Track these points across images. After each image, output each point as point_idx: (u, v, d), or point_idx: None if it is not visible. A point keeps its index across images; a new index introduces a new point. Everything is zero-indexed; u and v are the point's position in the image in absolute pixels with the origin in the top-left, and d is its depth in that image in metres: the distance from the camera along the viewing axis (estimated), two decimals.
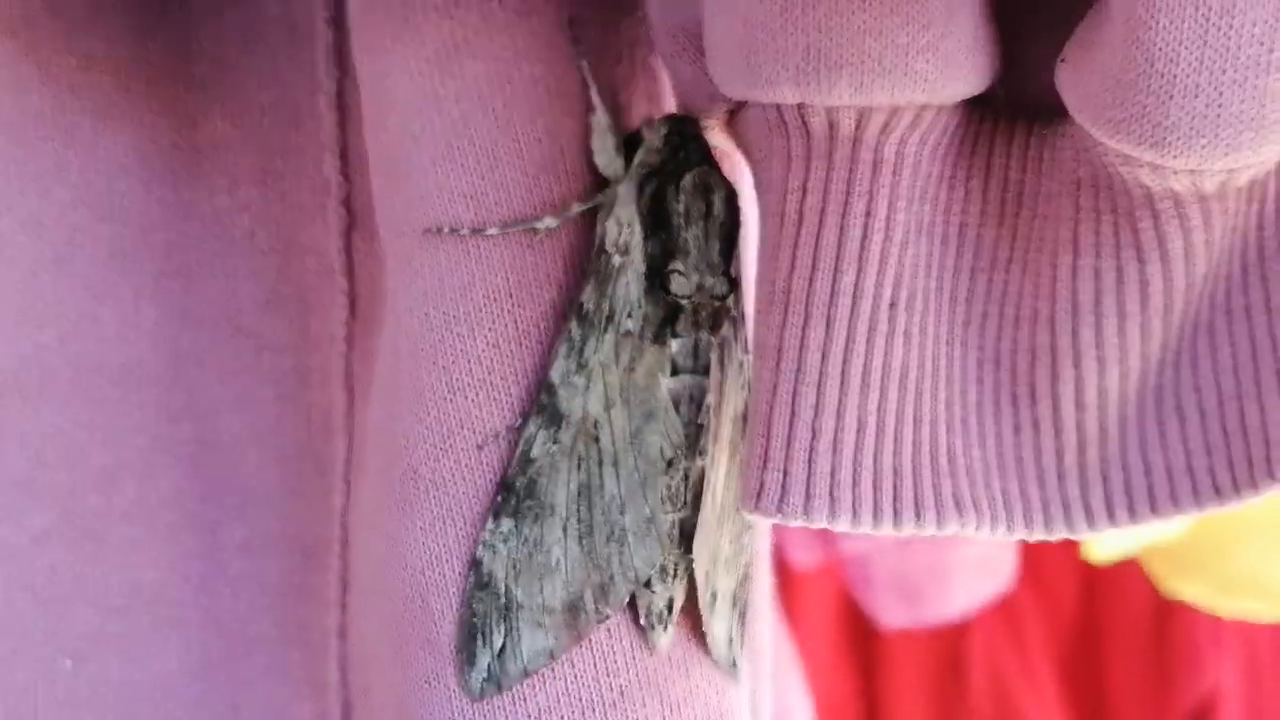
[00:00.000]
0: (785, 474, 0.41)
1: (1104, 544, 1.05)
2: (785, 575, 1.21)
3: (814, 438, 0.41)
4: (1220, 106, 0.36)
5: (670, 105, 0.47)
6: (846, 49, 0.38)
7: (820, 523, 0.41)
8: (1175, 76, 0.36)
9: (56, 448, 0.49)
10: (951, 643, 1.23)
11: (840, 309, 0.41)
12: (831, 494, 0.41)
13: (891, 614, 1.17)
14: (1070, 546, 1.20)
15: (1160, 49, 0.36)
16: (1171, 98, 0.36)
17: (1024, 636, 1.24)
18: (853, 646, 1.27)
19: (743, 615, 0.47)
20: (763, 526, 0.50)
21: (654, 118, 0.45)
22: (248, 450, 0.50)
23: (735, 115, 0.44)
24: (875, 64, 0.38)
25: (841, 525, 0.41)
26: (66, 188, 0.48)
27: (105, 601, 0.49)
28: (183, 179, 0.49)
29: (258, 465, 0.50)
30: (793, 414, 0.41)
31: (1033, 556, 1.18)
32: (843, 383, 0.41)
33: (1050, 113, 0.41)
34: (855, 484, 0.41)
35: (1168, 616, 1.22)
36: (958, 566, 1.15)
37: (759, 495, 0.41)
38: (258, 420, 0.50)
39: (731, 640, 0.46)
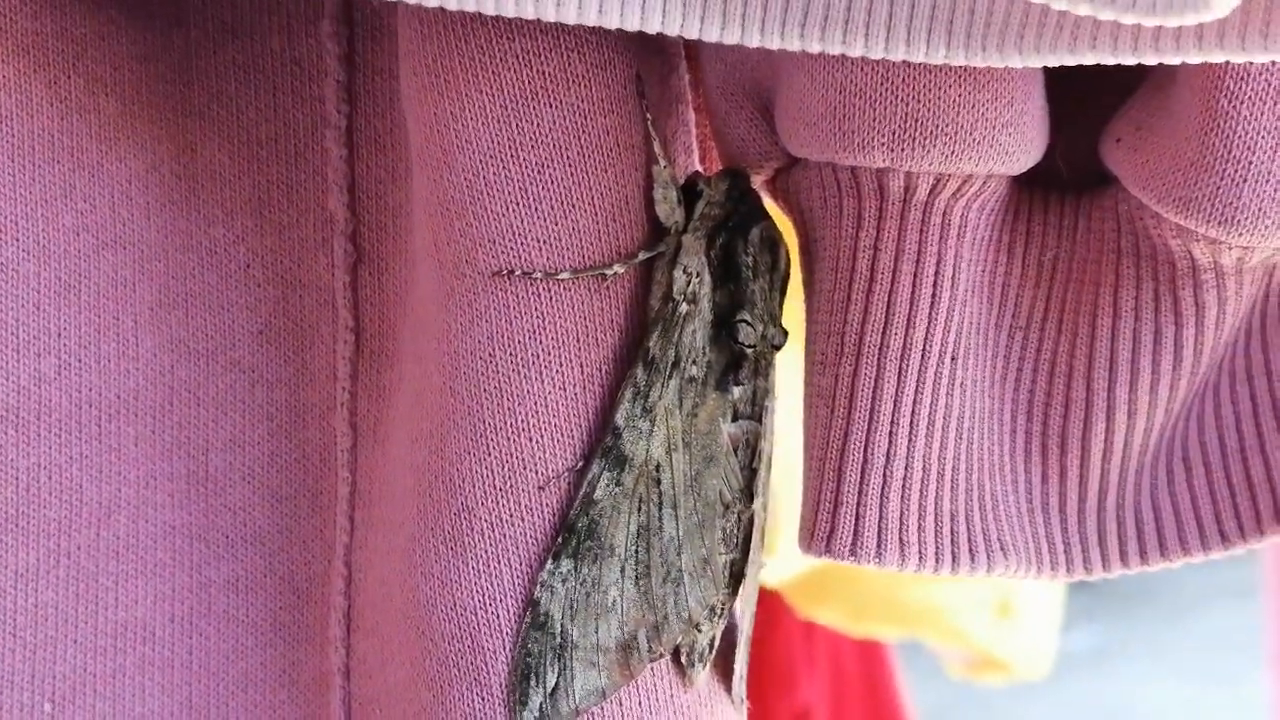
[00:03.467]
0: (858, 517, 0.43)
1: (778, 570, 1.09)
2: None
3: (885, 482, 0.43)
4: None
5: (696, 160, 0.48)
6: (941, 119, 0.41)
7: (889, 565, 0.43)
8: (1251, 163, 0.40)
9: (51, 481, 0.47)
10: None
11: (911, 360, 0.43)
12: (900, 537, 0.43)
13: None
14: None
15: (1240, 138, 0.39)
16: (1245, 181, 0.40)
17: None
18: None
19: (747, 653, 0.49)
20: None
21: (700, 171, 0.47)
22: (238, 486, 0.49)
23: (782, 173, 0.46)
24: (967, 135, 0.41)
25: (908, 568, 0.43)
26: (72, 213, 0.46)
27: (90, 641, 0.47)
28: (181, 208, 0.48)
29: (247, 502, 0.49)
30: (865, 460, 0.43)
31: None
32: (911, 430, 0.43)
33: (1088, 190, 0.45)
34: (920, 528, 0.43)
35: (764, 641, 1.27)
36: None
37: (830, 537, 0.43)
38: (249, 455, 0.49)
39: (741, 677, 0.48)
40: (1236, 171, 0.40)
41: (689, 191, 0.45)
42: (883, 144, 0.41)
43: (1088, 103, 0.45)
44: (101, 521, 0.47)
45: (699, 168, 0.48)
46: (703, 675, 0.46)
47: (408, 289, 0.48)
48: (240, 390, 0.49)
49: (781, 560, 1.05)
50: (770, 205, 0.47)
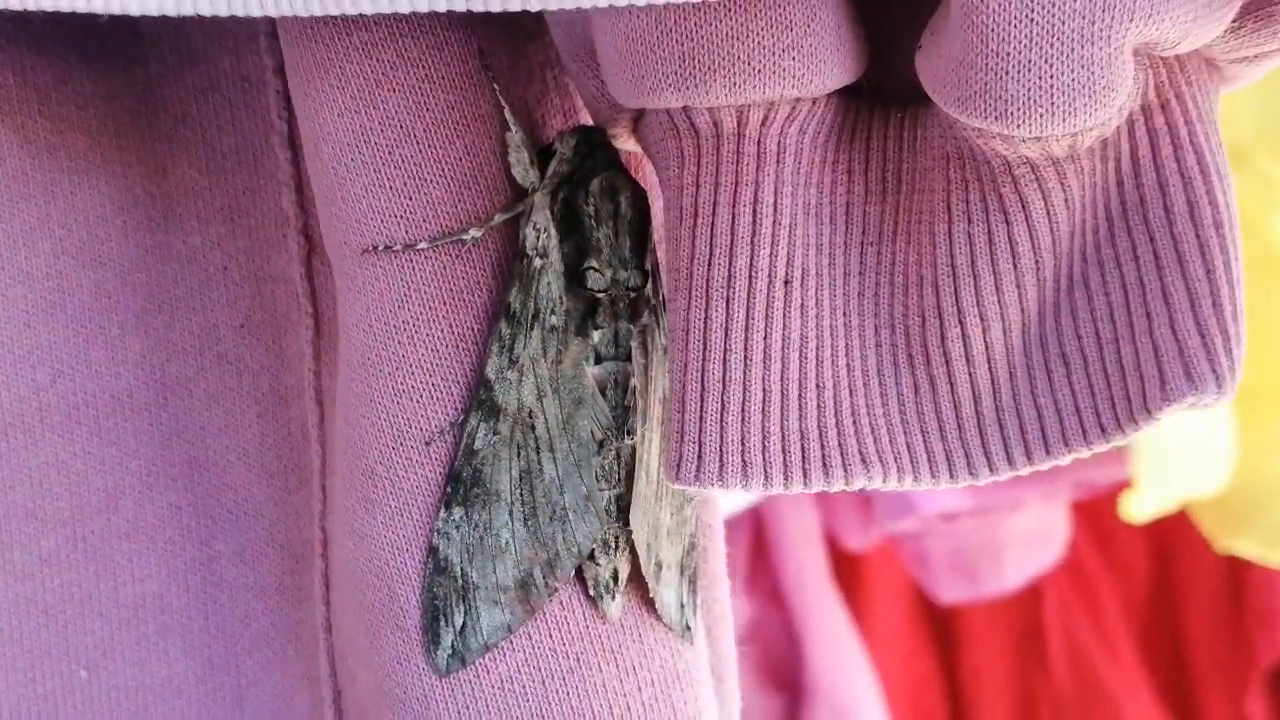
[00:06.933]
0: (699, 445, 0.45)
1: (1140, 504, 1.07)
2: (854, 559, 1.24)
3: (722, 409, 0.44)
4: (1052, 78, 0.40)
5: (586, 118, 0.51)
6: (717, 53, 0.42)
7: (735, 487, 0.44)
8: (1008, 54, 0.39)
9: (59, 476, 0.53)
10: (1026, 613, 1.26)
11: (737, 289, 0.44)
12: (743, 459, 0.44)
13: (949, 590, 1.20)
14: None
15: (993, 30, 0.39)
16: (1007, 73, 0.40)
17: (1097, 603, 1.26)
18: (929, 624, 1.30)
19: (692, 582, 0.51)
20: (711, 500, 0.54)
21: (562, 132, 0.49)
22: (235, 466, 0.54)
23: (638, 123, 0.48)
24: (745, 65, 0.42)
25: (755, 488, 0.45)
26: (50, 240, 0.52)
27: (114, 614, 0.54)
28: (157, 223, 0.54)
29: (245, 479, 0.54)
30: (702, 389, 0.45)
31: (1101, 523, 1.20)
32: (745, 357, 0.44)
33: (920, 97, 0.45)
34: (764, 449, 0.45)
35: (1242, 576, 1.23)
36: (1009, 541, 1.17)
37: (678, 466, 0.45)
38: (242, 438, 0.54)
39: (683, 605, 0.50)
40: (997, 64, 0.40)
41: (545, 152, 0.48)
42: (670, 85, 0.43)
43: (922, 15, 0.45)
44: (110, 508, 0.53)
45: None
46: (615, 606, 0.48)
47: None
48: (229, 380, 0.54)
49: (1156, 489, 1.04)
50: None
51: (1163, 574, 1.29)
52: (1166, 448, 1.00)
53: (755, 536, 1.17)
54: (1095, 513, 1.21)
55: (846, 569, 1.24)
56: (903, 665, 1.30)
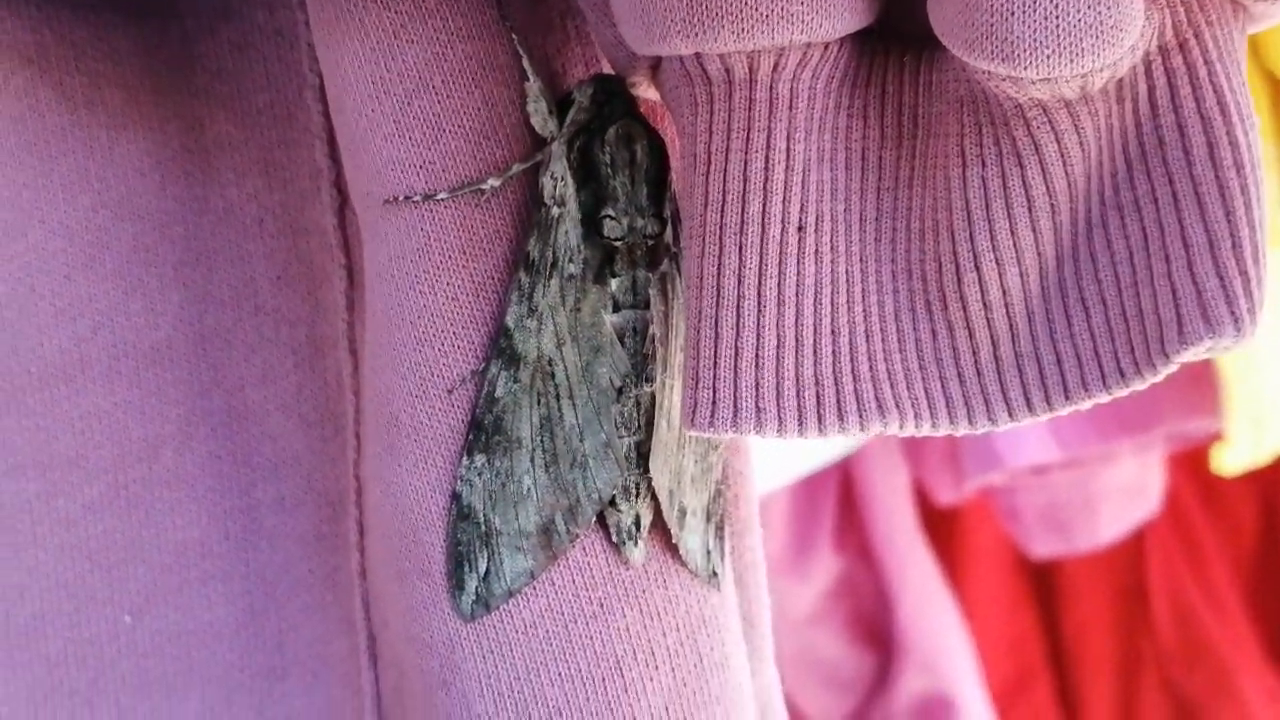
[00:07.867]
0: (714, 390, 0.45)
1: (1232, 456, 1.05)
2: (953, 514, 1.24)
3: (736, 355, 0.44)
4: (1058, 18, 0.39)
5: (607, 67, 0.51)
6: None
7: (748, 432, 0.45)
8: None
9: (101, 425, 0.54)
10: (1130, 570, 1.25)
11: (750, 236, 0.44)
12: (757, 405, 0.44)
13: (1042, 544, 1.19)
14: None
15: None
16: (1012, 13, 0.39)
17: (1204, 559, 1.25)
18: (1030, 580, 1.30)
19: (719, 528, 0.51)
20: (742, 447, 0.54)
21: (583, 80, 0.50)
22: (273, 416, 0.55)
23: (656, 71, 0.48)
24: (752, 10, 0.42)
25: (769, 433, 0.45)
26: (89, 194, 0.53)
27: (156, 560, 0.55)
28: (195, 177, 0.54)
29: (283, 429, 0.55)
30: (716, 335, 0.45)
31: (1207, 477, 1.19)
32: (759, 303, 0.44)
33: (934, 41, 0.45)
34: (779, 395, 0.45)
35: None
36: (1103, 495, 1.16)
37: (693, 412, 0.45)
38: (280, 388, 0.55)
39: (709, 552, 0.50)
40: (1003, 5, 0.39)
41: (564, 101, 0.48)
42: (678, 31, 0.43)
43: None
44: (151, 457, 0.55)
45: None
46: (638, 552, 0.48)
47: None
48: (267, 331, 0.55)
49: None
50: None
51: (1271, 529, 1.27)
52: (1261, 398, 0.99)
53: (843, 492, 1.17)
54: (1201, 466, 1.20)
55: (945, 524, 1.24)
56: (1003, 621, 1.29)
